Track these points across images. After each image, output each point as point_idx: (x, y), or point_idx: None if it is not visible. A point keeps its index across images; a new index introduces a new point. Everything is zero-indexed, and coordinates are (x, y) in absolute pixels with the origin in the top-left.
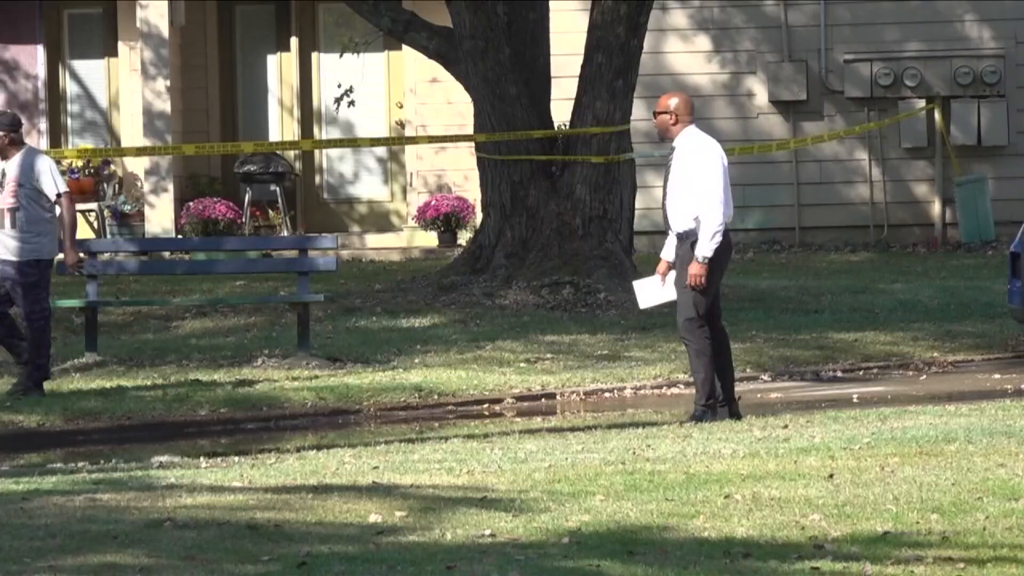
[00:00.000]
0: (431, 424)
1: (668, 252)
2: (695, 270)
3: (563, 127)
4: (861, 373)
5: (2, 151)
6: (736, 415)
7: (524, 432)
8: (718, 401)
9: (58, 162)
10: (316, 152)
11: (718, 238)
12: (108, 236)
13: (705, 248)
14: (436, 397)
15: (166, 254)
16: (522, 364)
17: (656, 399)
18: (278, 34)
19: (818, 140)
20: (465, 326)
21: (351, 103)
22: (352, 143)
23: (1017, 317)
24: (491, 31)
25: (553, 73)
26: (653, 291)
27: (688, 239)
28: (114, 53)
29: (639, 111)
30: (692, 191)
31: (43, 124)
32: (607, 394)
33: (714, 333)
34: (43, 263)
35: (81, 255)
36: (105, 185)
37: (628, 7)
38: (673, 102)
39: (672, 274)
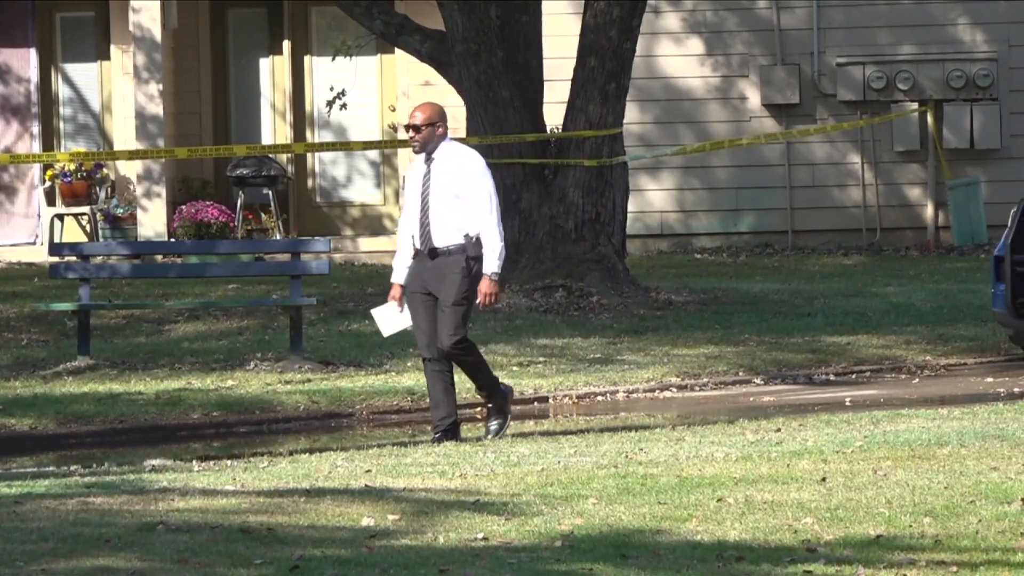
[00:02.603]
0: (423, 427)
1: (400, 275)
2: (488, 288)
3: (556, 130)
4: (854, 376)
5: None
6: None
7: (516, 435)
8: (451, 422)
9: (51, 166)
10: (309, 155)
11: (504, 251)
12: (101, 239)
13: (494, 264)
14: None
15: (159, 257)
16: (515, 367)
17: (648, 402)
18: (271, 37)
19: (804, 133)
20: None
21: (343, 106)
22: (345, 146)
23: (1002, 321)
24: (484, 34)
25: (546, 76)
26: (392, 318)
27: (449, 254)
28: (107, 56)
29: (632, 114)
30: (462, 204)
31: (35, 128)
32: (600, 397)
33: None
34: None
35: None
36: (98, 188)
37: (621, 10)
38: (436, 112)
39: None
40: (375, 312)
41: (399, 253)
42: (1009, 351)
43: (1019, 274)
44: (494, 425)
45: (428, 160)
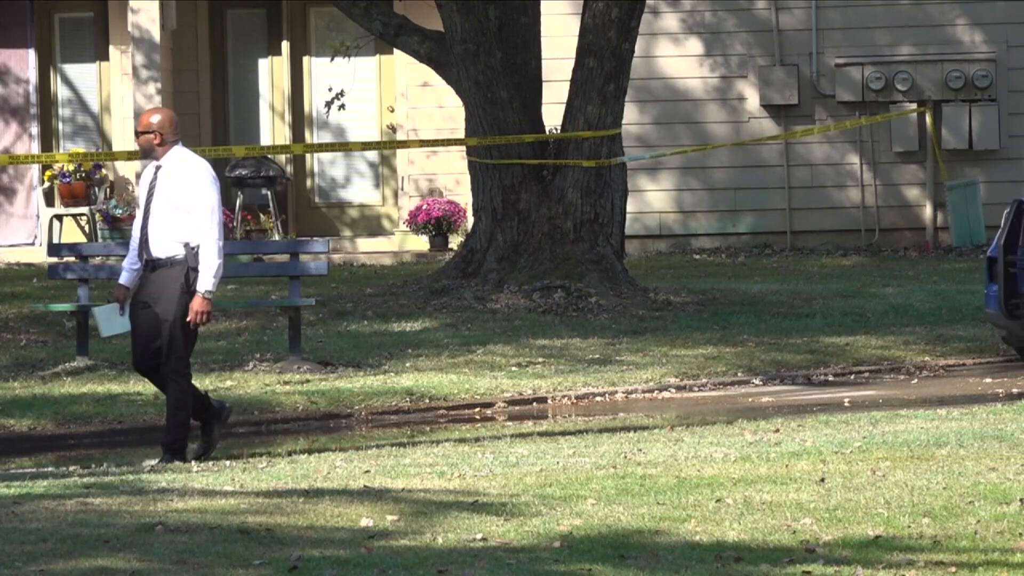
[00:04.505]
0: (422, 428)
1: (126, 277)
2: (200, 306)
3: (554, 131)
4: (852, 377)
5: None
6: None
7: (515, 436)
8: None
9: (49, 166)
10: (307, 156)
11: (221, 269)
12: (99, 240)
13: (209, 282)
14: (427, 401)
15: None
16: (513, 368)
17: (647, 403)
18: (269, 38)
19: (807, 132)
20: (456, 330)
21: (342, 107)
22: (343, 147)
23: (994, 322)
24: (482, 35)
25: (544, 77)
26: (114, 319)
27: (170, 266)
28: (105, 57)
29: (631, 115)
30: (184, 215)
31: (34, 128)
32: (598, 398)
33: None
34: None
35: None
36: (96, 189)
37: (619, 11)
38: (156, 119)
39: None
40: (97, 311)
41: (128, 255)
42: (1008, 352)
43: (1011, 275)
44: (200, 448)
45: (156, 168)
